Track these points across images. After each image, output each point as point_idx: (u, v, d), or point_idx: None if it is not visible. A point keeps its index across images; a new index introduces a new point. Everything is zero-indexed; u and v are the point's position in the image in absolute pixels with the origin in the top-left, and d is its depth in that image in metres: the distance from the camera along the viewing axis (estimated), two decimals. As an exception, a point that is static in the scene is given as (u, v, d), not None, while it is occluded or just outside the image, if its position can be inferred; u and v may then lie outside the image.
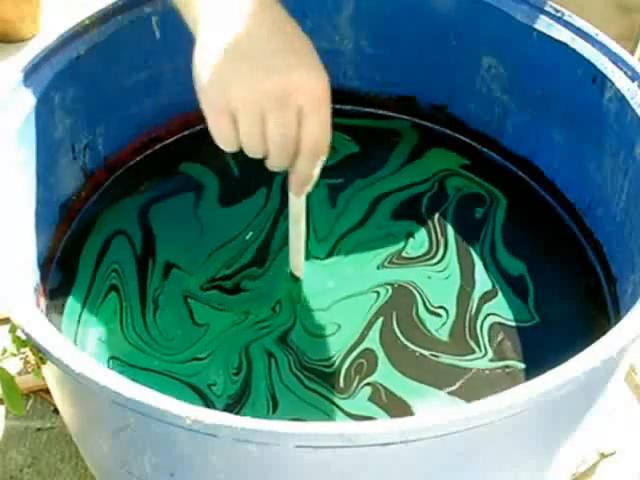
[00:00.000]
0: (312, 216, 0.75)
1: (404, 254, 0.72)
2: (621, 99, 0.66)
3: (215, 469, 0.51)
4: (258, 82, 0.54)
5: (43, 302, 0.67)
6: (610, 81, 0.67)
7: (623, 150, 0.67)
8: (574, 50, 0.69)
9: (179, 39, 0.75)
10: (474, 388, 0.64)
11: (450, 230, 0.74)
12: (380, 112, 0.83)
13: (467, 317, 0.68)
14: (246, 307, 0.69)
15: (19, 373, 0.81)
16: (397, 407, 0.63)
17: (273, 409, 0.63)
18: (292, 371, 0.65)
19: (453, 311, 0.69)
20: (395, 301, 0.69)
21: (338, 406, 0.63)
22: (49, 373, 0.58)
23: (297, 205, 0.64)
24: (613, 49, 0.68)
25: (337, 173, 0.77)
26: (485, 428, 0.47)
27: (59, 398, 0.62)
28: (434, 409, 0.63)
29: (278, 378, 0.64)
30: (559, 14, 0.71)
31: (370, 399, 0.63)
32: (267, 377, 0.64)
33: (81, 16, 0.70)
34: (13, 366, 0.80)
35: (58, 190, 0.72)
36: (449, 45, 0.77)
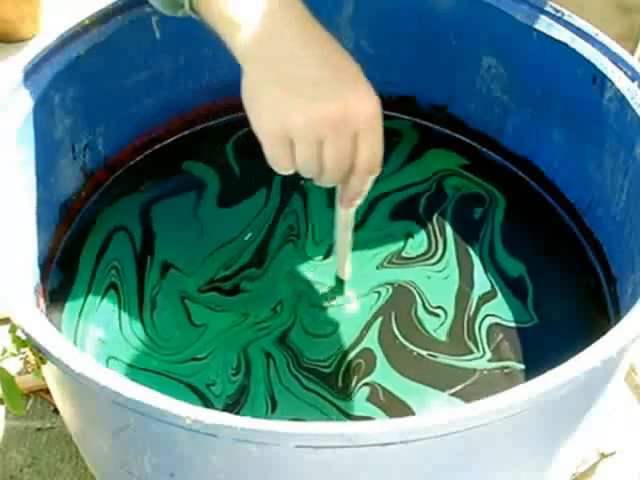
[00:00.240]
0: (311, 217, 0.75)
1: (403, 254, 0.72)
2: (621, 99, 0.66)
3: (215, 469, 0.51)
4: (315, 110, 0.55)
5: (43, 302, 0.67)
6: (610, 81, 0.67)
7: (623, 150, 0.67)
8: (574, 50, 0.69)
9: (179, 39, 0.75)
10: (473, 388, 0.64)
11: (449, 230, 0.74)
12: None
13: (466, 318, 0.68)
14: (245, 308, 0.68)
15: (19, 373, 0.81)
16: (395, 407, 0.63)
17: (272, 409, 0.63)
18: (291, 371, 0.65)
19: (452, 311, 0.69)
20: (395, 301, 0.69)
21: (337, 406, 0.63)
22: (49, 373, 0.58)
23: (346, 216, 0.65)
24: (613, 49, 0.68)
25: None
26: (485, 428, 0.47)
27: (59, 398, 0.62)
28: (432, 409, 0.63)
29: (277, 378, 0.64)
30: (559, 14, 0.71)
31: (368, 399, 0.63)
32: (266, 377, 0.64)
33: (81, 16, 0.70)
34: (13, 366, 0.80)
35: (58, 190, 0.72)
36: (449, 45, 0.77)
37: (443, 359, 0.66)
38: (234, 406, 0.63)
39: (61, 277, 0.70)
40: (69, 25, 0.69)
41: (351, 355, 0.66)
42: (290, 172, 0.59)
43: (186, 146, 0.80)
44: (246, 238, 0.73)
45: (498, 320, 0.68)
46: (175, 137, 0.81)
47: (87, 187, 0.75)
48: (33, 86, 0.66)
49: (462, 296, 0.70)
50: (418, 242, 0.73)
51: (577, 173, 0.73)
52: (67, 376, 0.50)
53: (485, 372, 0.65)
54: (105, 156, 0.76)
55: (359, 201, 0.62)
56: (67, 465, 0.76)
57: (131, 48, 0.73)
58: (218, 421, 0.46)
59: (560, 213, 0.75)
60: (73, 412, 0.61)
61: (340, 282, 0.70)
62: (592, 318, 0.69)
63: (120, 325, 0.68)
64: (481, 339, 0.67)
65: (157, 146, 0.80)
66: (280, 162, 0.58)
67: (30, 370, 0.81)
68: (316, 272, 0.71)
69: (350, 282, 0.70)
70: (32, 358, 0.76)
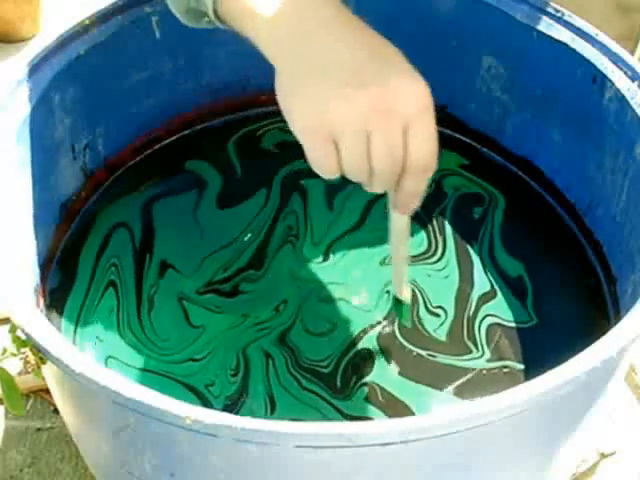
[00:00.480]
0: (310, 217, 0.75)
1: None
2: (621, 99, 0.66)
3: (215, 469, 0.51)
4: (356, 97, 0.50)
5: (43, 302, 0.67)
6: (610, 81, 0.67)
7: (623, 150, 0.67)
8: (574, 50, 0.69)
9: (179, 39, 0.75)
10: (472, 389, 0.64)
11: (449, 230, 0.74)
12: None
13: (465, 318, 0.68)
14: (245, 310, 0.68)
15: (19, 373, 0.81)
16: (394, 407, 0.63)
17: (271, 410, 0.63)
18: (290, 372, 0.65)
19: (452, 311, 0.69)
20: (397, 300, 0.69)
21: (335, 407, 0.63)
22: (49, 373, 0.58)
23: (401, 224, 0.59)
24: (613, 49, 0.68)
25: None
26: (485, 428, 0.47)
27: (59, 398, 0.62)
28: (432, 409, 0.63)
29: (276, 379, 0.64)
30: (559, 14, 0.71)
31: (367, 399, 0.63)
32: (265, 378, 0.64)
33: (81, 16, 0.70)
34: (13, 366, 0.80)
35: (58, 190, 0.72)
36: (449, 45, 0.77)
37: (442, 359, 0.66)
38: (233, 407, 0.63)
39: (61, 277, 0.70)
40: (69, 25, 0.69)
41: (350, 355, 0.66)
42: (336, 176, 0.53)
43: (186, 146, 0.80)
44: (245, 239, 0.73)
45: (498, 320, 0.68)
46: (175, 137, 0.81)
47: (87, 187, 0.75)
48: (33, 86, 0.66)
49: (462, 296, 0.70)
50: (418, 241, 0.73)
51: (577, 173, 0.73)
52: (67, 376, 0.49)
53: (484, 372, 0.65)
54: (105, 156, 0.76)
55: (416, 205, 0.56)
56: (67, 465, 0.76)
57: (131, 48, 0.73)
58: (218, 421, 0.46)
59: (560, 213, 0.75)
60: (73, 412, 0.61)
61: (398, 303, 0.66)
62: (592, 318, 0.69)
63: (118, 325, 0.68)
64: (480, 339, 0.67)
65: (157, 146, 0.80)
66: (324, 163, 0.52)
67: (30, 370, 0.81)
68: (317, 272, 0.71)
69: (359, 280, 0.70)
70: (32, 358, 0.76)
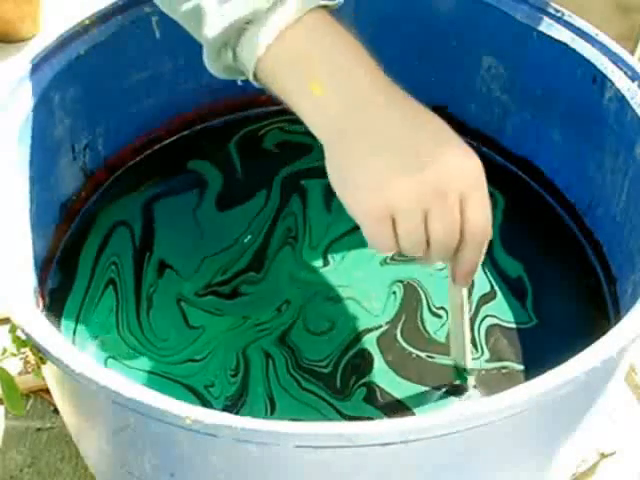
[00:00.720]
0: (309, 219, 0.75)
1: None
2: (621, 99, 0.66)
3: (215, 469, 0.51)
4: (416, 176, 0.51)
5: (43, 302, 0.67)
6: (610, 81, 0.67)
7: (623, 150, 0.67)
8: (574, 50, 0.69)
9: (179, 39, 0.75)
10: (472, 389, 0.64)
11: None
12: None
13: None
14: (246, 312, 0.68)
15: (19, 373, 0.81)
16: (393, 408, 0.63)
17: (271, 411, 0.63)
18: (289, 372, 0.65)
19: (453, 312, 0.69)
20: (405, 301, 0.69)
21: (335, 407, 0.63)
22: (49, 373, 0.58)
23: (460, 295, 0.60)
24: (613, 49, 0.68)
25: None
26: (485, 428, 0.47)
27: (59, 398, 0.62)
28: (431, 410, 0.63)
29: (275, 379, 0.64)
30: (559, 14, 0.71)
31: (366, 400, 0.63)
32: (265, 378, 0.64)
33: (81, 16, 0.70)
34: (13, 366, 0.80)
35: (58, 190, 0.72)
36: (449, 45, 0.77)
37: (442, 360, 0.66)
38: (233, 407, 0.63)
39: (61, 277, 0.70)
40: (69, 25, 0.69)
41: (349, 355, 0.66)
42: (394, 252, 0.54)
43: (186, 146, 0.80)
44: (245, 241, 0.73)
45: (497, 321, 0.68)
46: (175, 137, 0.81)
47: (87, 187, 0.75)
48: (33, 86, 0.66)
49: (462, 296, 0.70)
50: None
51: (577, 173, 0.73)
52: (67, 376, 0.50)
53: (484, 373, 0.65)
54: (105, 156, 0.76)
55: (474, 276, 0.57)
56: (67, 465, 0.76)
57: (131, 48, 0.73)
58: (218, 421, 0.46)
59: (560, 213, 0.75)
60: (73, 412, 0.61)
61: (461, 371, 0.65)
62: (592, 318, 0.69)
63: (118, 324, 0.68)
64: (480, 340, 0.67)
65: (157, 146, 0.80)
66: (385, 243, 0.53)
67: (30, 370, 0.81)
68: (319, 274, 0.71)
69: (364, 280, 0.70)
70: (32, 358, 0.76)
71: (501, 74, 0.76)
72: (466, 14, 0.75)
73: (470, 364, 0.64)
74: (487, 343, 0.67)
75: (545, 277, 0.71)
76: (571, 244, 0.74)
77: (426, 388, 0.64)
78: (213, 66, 0.58)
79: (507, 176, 0.78)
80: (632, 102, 0.65)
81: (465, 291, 0.60)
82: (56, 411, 0.79)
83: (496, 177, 0.78)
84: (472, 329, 0.67)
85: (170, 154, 0.80)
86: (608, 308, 0.69)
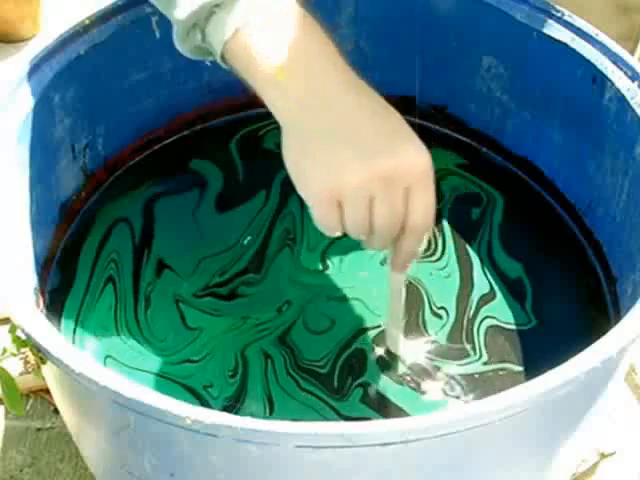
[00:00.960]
0: (307, 220, 0.74)
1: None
2: (621, 99, 0.66)
3: (215, 469, 0.51)
4: (367, 167, 0.53)
5: (43, 302, 0.67)
6: (610, 81, 0.67)
7: (623, 150, 0.67)
8: (574, 50, 0.69)
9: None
10: (470, 391, 0.64)
11: (447, 229, 0.74)
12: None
13: (465, 320, 0.68)
14: (245, 312, 0.68)
15: (19, 373, 0.81)
16: (390, 410, 0.63)
17: (270, 411, 0.63)
18: (288, 372, 0.65)
19: (453, 313, 0.69)
20: (407, 303, 0.69)
21: (333, 407, 0.63)
22: (49, 373, 0.58)
23: (398, 281, 0.62)
24: (613, 49, 0.68)
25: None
26: (485, 428, 0.47)
27: (59, 398, 0.62)
28: (427, 412, 0.63)
29: (274, 379, 0.64)
30: (559, 14, 0.71)
31: (362, 401, 0.63)
32: (263, 378, 0.64)
33: (81, 16, 0.70)
34: (13, 366, 0.80)
35: (58, 190, 0.72)
36: (449, 45, 0.77)
37: (441, 361, 0.66)
38: (232, 408, 0.63)
39: (61, 277, 0.70)
40: (69, 25, 0.69)
41: (345, 355, 0.66)
42: (338, 234, 0.57)
43: (186, 146, 0.80)
44: (245, 242, 0.73)
45: (497, 322, 0.68)
46: (175, 137, 0.81)
47: (87, 187, 0.75)
48: (33, 86, 0.66)
49: (462, 297, 0.70)
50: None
51: (577, 173, 0.73)
52: (67, 376, 0.50)
53: (483, 374, 0.65)
54: (105, 156, 0.76)
55: (411, 265, 0.60)
56: (67, 465, 0.76)
57: (131, 48, 0.73)
58: (218, 421, 0.46)
59: (560, 213, 0.75)
60: (73, 412, 0.61)
61: (391, 355, 0.66)
62: (592, 318, 0.69)
63: (116, 323, 0.68)
64: (479, 341, 0.67)
65: (157, 146, 0.80)
66: (330, 225, 0.56)
67: (30, 370, 0.81)
68: (320, 276, 0.71)
69: (365, 279, 0.70)
70: (32, 358, 0.76)
71: (501, 74, 0.76)
72: (466, 14, 0.75)
73: (402, 351, 0.66)
74: (487, 344, 0.67)
75: (545, 277, 0.71)
76: (571, 244, 0.74)
77: (424, 390, 0.64)
78: (182, 46, 0.59)
79: (507, 176, 0.78)
80: (632, 102, 0.65)
81: (404, 278, 0.62)
82: (56, 411, 0.79)
83: (496, 177, 0.78)
84: (472, 330, 0.67)
85: (170, 154, 0.80)
86: (608, 308, 0.69)
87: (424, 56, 0.79)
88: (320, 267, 0.72)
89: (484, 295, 0.70)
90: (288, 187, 0.76)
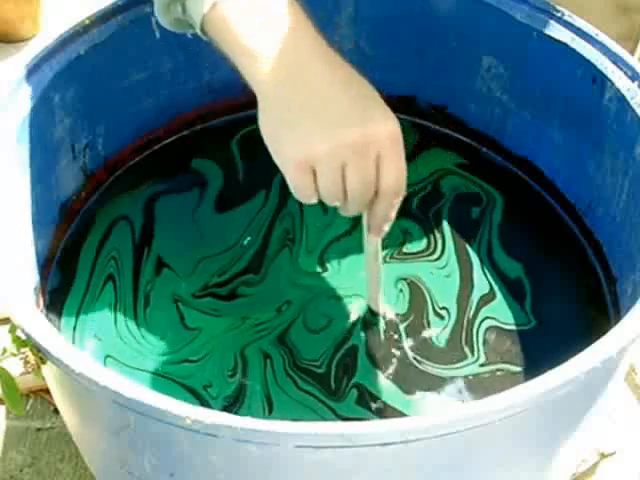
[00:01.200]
0: (306, 220, 0.74)
1: (404, 250, 0.72)
2: (621, 99, 0.66)
3: (215, 469, 0.51)
4: (338, 136, 0.55)
5: (43, 302, 0.67)
6: (610, 81, 0.67)
7: (623, 150, 0.67)
8: (574, 50, 0.69)
9: (179, 39, 0.75)
10: (469, 391, 0.64)
11: (447, 229, 0.74)
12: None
13: (465, 320, 0.68)
14: (244, 312, 0.68)
15: (19, 373, 0.81)
16: (387, 410, 0.63)
17: (269, 411, 0.63)
18: (287, 372, 0.65)
19: (454, 314, 0.69)
20: (411, 301, 0.69)
21: (330, 407, 0.63)
22: (49, 373, 0.58)
23: (374, 245, 0.64)
24: (613, 49, 0.68)
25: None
26: (485, 428, 0.47)
27: (59, 398, 0.62)
28: (425, 412, 0.63)
29: (273, 379, 0.64)
30: (559, 14, 0.71)
31: (358, 402, 0.63)
32: (262, 378, 0.64)
33: (81, 16, 0.70)
34: (13, 366, 0.80)
35: (58, 190, 0.72)
36: (449, 45, 0.77)
37: (441, 362, 0.66)
38: (231, 407, 0.63)
39: (61, 277, 0.70)
40: (69, 25, 0.69)
41: (340, 355, 0.66)
42: (314, 201, 0.58)
43: (186, 146, 0.80)
44: (245, 242, 0.73)
45: (496, 323, 0.68)
46: (175, 137, 0.81)
47: (87, 187, 0.75)
48: (33, 86, 0.66)
49: (463, 297, 0.70)
50: (417, 240, 0.73)
51: (577, 173, 0.73)
52: (67, 376, 0.50)
53: (483, 375, 0.65)
54: (105, 156, 0.76)
55: (387, 228, 0.62)
56: (67, 465, 0.76)
57: (131, 48, 0.73)
58: (218, 421, 0.46)
59: (560, 213, 0.75)
60: (73, 412, 0.61)
61: (373, 314, 0.68)
62: (592, 318, 0.69)
63: (116, 323, 0.68)
64: (479, 342, 0.67)
65: (157, 146, 0.80)
66: (304, 191, 0.58)
67: (30, 370, 0.81)
68: (321, 276, 0.71)
69: (360, 282, 0.70)
70: (32, 358, 0.76)
71: (501, 74, 0.76)
72: (466, 14, 0.75)
73: (382, 309, 0.68)
74: (486, 345, 0.67)
75: (545, 278, 0.71)
76: (571, 244, 0.74)
77: (421, 391, 0.64)
78: (163, 19, 0.62)
79: (507, 176, 0.78)
80: (632, 102, 0.65)
81: (379, 241, 0.64)
82: (56, 411, 0.79)
83: (496, 177, 0.78)
84: (471, 331, 0.67)
85: (170, 154, 0.80)
86: (608, 308, 0.69)
87: (424, 56, 0.79)
88: (321, 265, 0.72)
89: (484, 295, 0.70)
90: (288, 187, 0.77)
